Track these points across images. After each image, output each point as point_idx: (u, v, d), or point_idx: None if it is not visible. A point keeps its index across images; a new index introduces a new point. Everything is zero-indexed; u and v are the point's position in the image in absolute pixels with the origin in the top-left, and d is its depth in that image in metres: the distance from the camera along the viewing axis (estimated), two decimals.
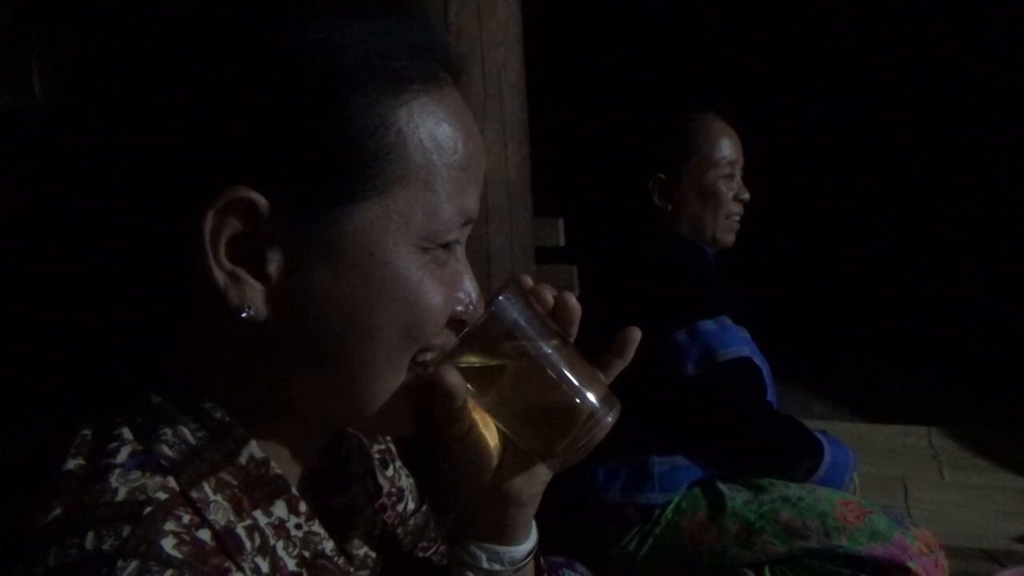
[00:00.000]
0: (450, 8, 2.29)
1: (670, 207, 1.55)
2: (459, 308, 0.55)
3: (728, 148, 1.55)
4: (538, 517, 0.68)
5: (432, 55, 0.53)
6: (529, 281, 0.59)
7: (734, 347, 1.40)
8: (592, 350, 1.69)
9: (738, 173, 1.58)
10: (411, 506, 0.74)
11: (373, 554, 0.65)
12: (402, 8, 0.53)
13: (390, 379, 0.53)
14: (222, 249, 0.48)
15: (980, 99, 3.52)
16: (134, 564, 0.42)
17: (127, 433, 0.48)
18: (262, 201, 0.48)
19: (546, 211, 2.74)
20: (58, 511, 0.44)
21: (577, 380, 0.57)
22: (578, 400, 0.56)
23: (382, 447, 0.74)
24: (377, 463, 0.72)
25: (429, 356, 0.55)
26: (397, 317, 0.51)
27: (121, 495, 0.45)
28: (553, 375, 0.56)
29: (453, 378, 0.54)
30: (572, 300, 0.59)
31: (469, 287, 0.56)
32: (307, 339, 0.51)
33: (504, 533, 0.62)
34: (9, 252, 0.55)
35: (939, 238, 3.71)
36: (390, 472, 0.73)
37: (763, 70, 3.74)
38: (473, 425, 0.57)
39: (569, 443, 0.56)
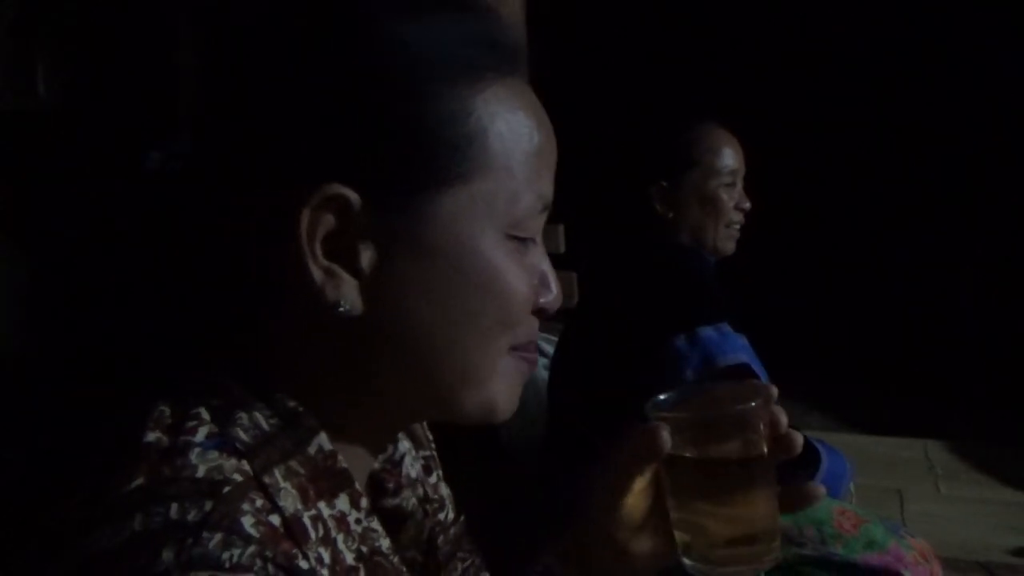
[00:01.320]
0: None
1: (671, 215, 1.56)
2: (541, 298, 0.56)
3: (730, 157, 1.56)
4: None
5: (505, 47, 0.54)
6: (775, 394, 0.59)
7: (733, 354, 1.40)
8: (590, 356, 1.67)
9: (739, 182, 1.59)
10: (451, 516, 0.74)
11: (420, 558, 0.66)
12: (475, 2, 0.55)
13: (484, 366, 0.53)
14: (317, 246, 0.49)
15: (982, 114, 3.55)
16: (219, 536, 0.43)
17: (204, 413, 0.49)
18: (355, 197, 0.48)
19: (547, 217, 2.76)
20: (141, 480, 0.45)
21: (770, 509, 0.57)
22: (761, 528, 0.56)
23: (427, 454, 0.74)
24: (422, 469, 0.72)
25: (524, 349, 0.56)
26: (488, 304, 0.52)
27: (201, 472, 0.46)
28: (745, 491, 0.57)
29: (664, 437, 0.55)
30: (798, 440, 0.59)
31: (548, 275, 0.57)
32: (401, 330, 0.51)
33: None
34: (105, 238, 0.56)
35: (937, 252, 3.73)
36: (433, 479, 0.73)
37: (765, 79, 3.77)
38: (642, 488, 0.58)
39: (725, 558, 0.57)
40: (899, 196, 3.78)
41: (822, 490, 0.60)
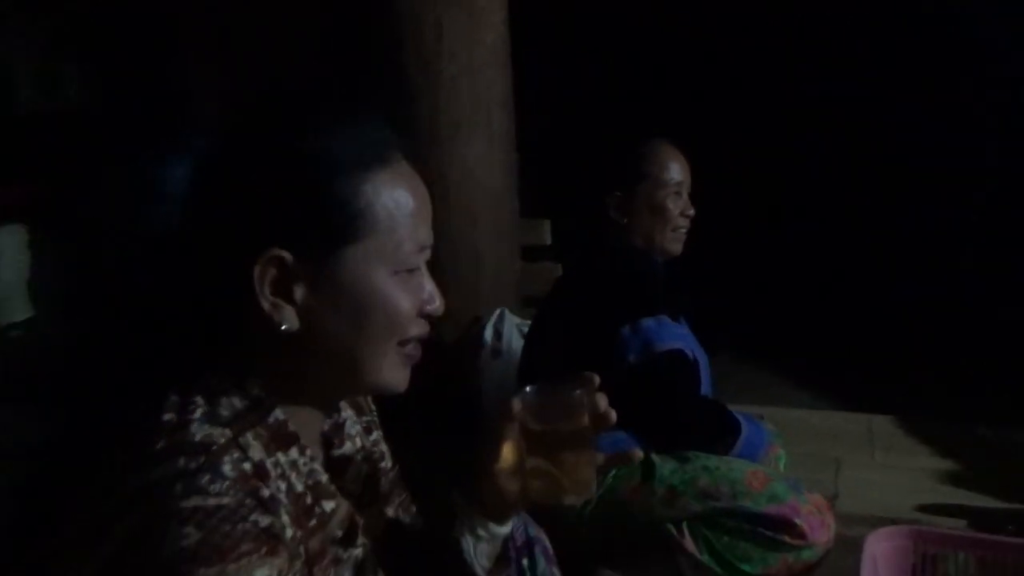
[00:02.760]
0: (444, 34, 2.56)
1: (625, 220, 1.81)
2: (428, 307, 0.84)
3: (676, 171, 1.80)
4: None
5: (386, 144, 0.82)
6: (597, 382, 0.87)
7: (670, 341, 1.66)
8: (554, 339, 1.91)
9: (685, 192, 1.83)
10: (389, 464, 1.03)
11: (359, 490, 0.94)
12: (367, 113, 0.83)
13: (376, 359, 0.81)
14: (266, 288, 0.76)
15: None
16: (208, 476, 0.70)
17: (199, 399, 0.76)
18: (288, 256, 0.76)
19: (537, 213, 3.02)
20: (161, 443, 0.72)
21: (580, 464, 0.84)
22: (572, 478, 0.84)
23: (368, 418, 1.02)
24: (363, 430, 1.00)
25: (411, 339, 0.83)
26: (381, 320, 0.80)
27: (198, 438, 0.73)
28: (570, 452, 0.84)
29: (517, 408, 0.84)
30: (611, 416, 0.86)
31: (430, 290, 0.85)
32: (324, 339, 0.79)
33: (498, 516, 0.91)
34: (125, 280, 0.84)
35: (887, 232, 3.89)
36: (374, 436, 1.02)
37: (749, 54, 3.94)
38: (510, 448, 0.86)
39: (550, 494, 0.85)
40: (855, 177, 3.95)
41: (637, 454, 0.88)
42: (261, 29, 3.23)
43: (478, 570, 0.91)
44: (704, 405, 1.68)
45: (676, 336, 1.69)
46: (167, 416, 0.74)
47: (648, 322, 1.66)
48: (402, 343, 0.83)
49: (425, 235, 0.83)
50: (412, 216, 0.81)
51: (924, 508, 2.00)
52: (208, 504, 0.68)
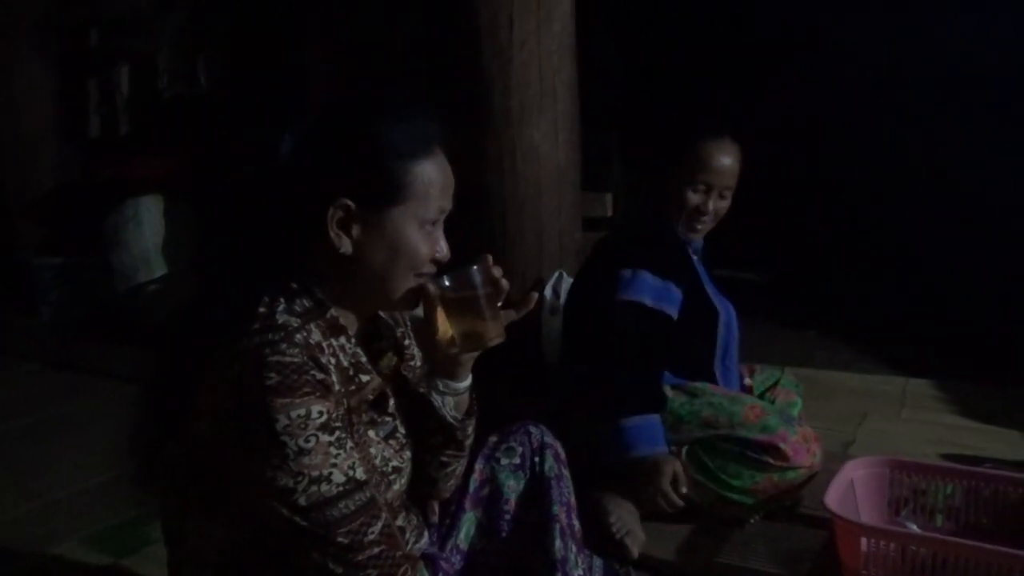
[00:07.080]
0: (515, 24, 2.87)
1: (656, 202, 2.02)
2: (436, 255, 1.17)
3: (709, 172, 1.93)
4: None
5: (430, 139, 1.15)
6: (490, 260, 1.20)
7: (636, 294, 1.85)
8: (587, 282, 2.21)
9: (715, 189, 1.92)
10: (418, 363, 1.37)
11: (389, 373, 1.29)
12: (419, 110, 1.16)
13: (400, 285, 1.15)
14: (334, 223, 1.10)
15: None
16: (285, 343, 1.03)
17: (281, 300, 1.11)
18: (352, 205, 1.10)
19: (599, 187, 3.29)
20: (257, 325, 1.06)
21: (491, 317, 1.17)
22: (488, 327, 1.17)
23: (402, 329, 1.37)
24: (398, 336, 1.35)
25: (424, 274, 1.16)
26: (405, 258, 1.14)
27: (280, 321, 1.07)
28: (482, 310, 1.17)
29: (432, 289, 1.17)
30: (504, 285, 1.19)
31: (442, 244, 1.18)
32: (366, 264, 1.13)
33: (452, 375, 1.27)
34: (236, 219, 1.19)
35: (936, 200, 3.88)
36: (407, 342, 1.37)
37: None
38: (441, 321, 1.19)
39: (477, 345, 1.19)
40: (900, 140, 3.95)
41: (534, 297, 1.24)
42: (364, 25, 3.61)
43: (448, 418, 1.28)
44: (627, 360, 1.81)
45: (648, 291, 1.86)
46: (261, 308, 1.09)
47: (625, 272, 1.87)
48: (416, 275, 1.16)
49: (446, 204, 1.17)
50: (440, 191, 1.15)
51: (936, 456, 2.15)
52: (284, 360, 1.02)
